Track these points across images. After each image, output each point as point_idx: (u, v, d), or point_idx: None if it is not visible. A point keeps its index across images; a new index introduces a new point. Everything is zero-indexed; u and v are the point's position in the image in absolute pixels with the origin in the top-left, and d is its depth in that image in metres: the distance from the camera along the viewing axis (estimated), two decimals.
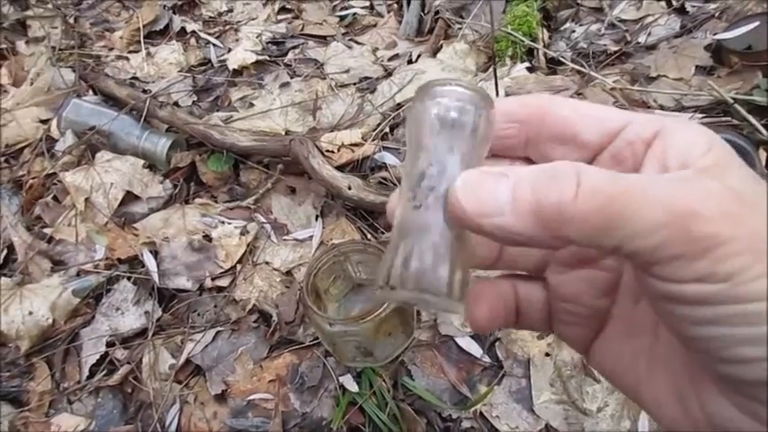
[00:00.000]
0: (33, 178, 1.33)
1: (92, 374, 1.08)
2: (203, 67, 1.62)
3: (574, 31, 1.50)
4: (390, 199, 0.31)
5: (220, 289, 1.16)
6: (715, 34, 1.28)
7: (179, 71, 1.59)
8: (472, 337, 1.02)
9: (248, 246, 1.20)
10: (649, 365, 0.29)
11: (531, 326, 0.34)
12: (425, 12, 1.64)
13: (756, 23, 1.20)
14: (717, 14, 1.37)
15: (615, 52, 1.39)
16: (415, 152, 0.28)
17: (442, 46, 1.50)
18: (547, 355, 0.98)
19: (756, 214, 0.22)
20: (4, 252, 1.24)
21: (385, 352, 0.97)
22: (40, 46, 1.66)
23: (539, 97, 0.30)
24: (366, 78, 1.52)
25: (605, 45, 1.43)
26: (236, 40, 1.66)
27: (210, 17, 1.78)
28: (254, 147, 1.28)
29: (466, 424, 0.93)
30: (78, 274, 1.18)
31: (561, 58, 1.36)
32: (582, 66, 1.32)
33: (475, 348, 1.00)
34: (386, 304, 0.85)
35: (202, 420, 1.00)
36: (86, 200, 1.26)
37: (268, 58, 1.60)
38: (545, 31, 1.48)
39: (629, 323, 0.30)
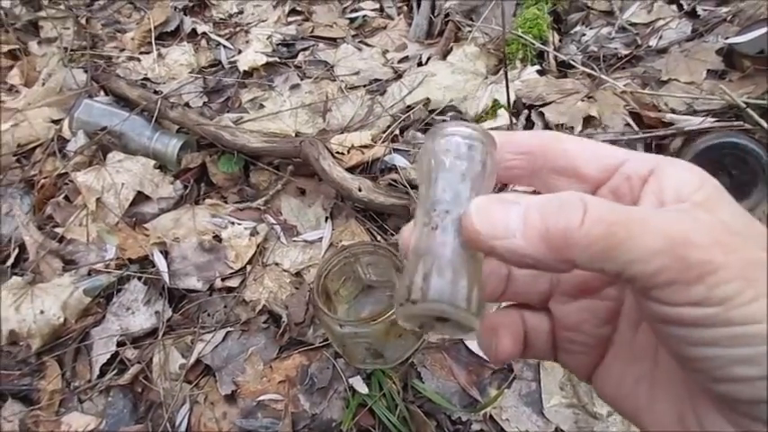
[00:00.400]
0: (45, 178, 1.34)
1: (102, 374, 1.08)
2: (214, 69, 1.63)
3: (584, 35, 1.50)
4: (403, 231, 0.33)
5: (230, 289, 1.16)
6: (727, 38, 1.28)
7: (190, 72, 1.59)
8: None
9: (258, 247, 1.21)
10: (650, 390, 0.30)
11: (537, 355, 0.35)
12: (435, 14, 1.65)
13: None
14: (728, 18, 1.37)
15: (626, 56, 1.38)
16: (429, 183, 0.30)
17: (452, 48, 1.50)
18: None
19: (748, 244, 0.24)
20: (16, 251, 1.25)
21: (395, 354, 0.97)
22: (52, 47, 1.68)
23: (545, 133, 0.33)
24: (376, 80, 1.52)
25: (616, 48, 1.43)
26: (247, 42, 1.67)
27: (221, 19, 1.79)
28: (264, 148, 1.28)
29: (476, 427, 0.93)
30: (89, 274, 1.19)
31: (572, 62, 1.35)
32: (593, 69, 1.32)
33: None
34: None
35: (212, 420, 1.00)
36: (98, 200, 1.26)
37: (278, 60, 1.61)
38: (555, 34, 1.48)
39: (630, 350, 0.32)
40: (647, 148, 1.19)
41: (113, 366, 1.09)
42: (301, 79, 1.54)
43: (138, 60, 1.64)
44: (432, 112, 1.36)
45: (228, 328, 1.10)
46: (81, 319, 1.14)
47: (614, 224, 0.24)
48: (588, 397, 0.92)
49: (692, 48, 1.32)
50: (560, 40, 1.49)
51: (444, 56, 1.50)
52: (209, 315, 1.13)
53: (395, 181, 1.24)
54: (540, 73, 1.38)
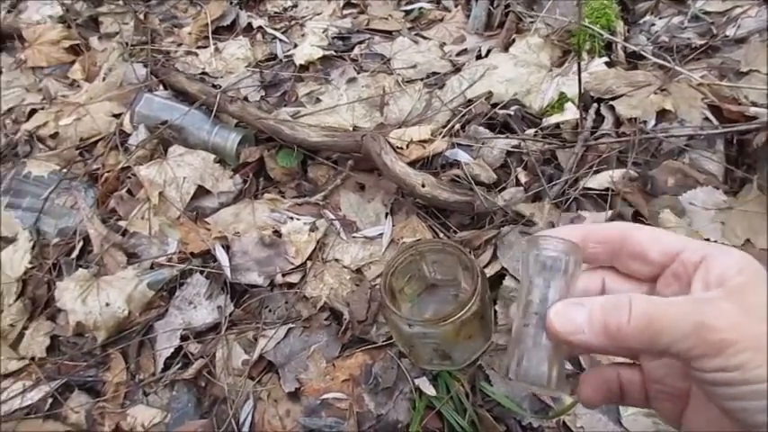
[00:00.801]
0: (108, 172, 1.35)
1: (166, 367, 1.09)
2: (270, 63, 1.62)
3: (653, 24, 1.43)
4: (511, 309, 0.45)
5: (291, 285, 1.15)
6: None
7: (246, 66, 1.59)
8: None
9: (318, 242, 1.19)
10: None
11: (633, 402, 0.43)
12: (494, 5, 1.60)
13: None
14: None
15: (701, 46, 1.31)
16: (525, 285, 0.40)
17: (514, 40, 1.45)
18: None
19: (755, 321, 0.32)
20: (81, 244, 1.26)
21: (464, 355, 0.94)
22: (112, 42, 1.70)
23: (623, 225, 0.41)
24: (434, 74, 1.49)
25: (689, 38, 1.36)
26: (302, 36, 1.66)
27: (276, 12, 1.78)
28: (324, 142, 1.27)
29: None
30: (152, 267, 1.19)
31: (642, 52, 1.29)
32: (665, 60, 1.25)
33: None
34: (468, 306, 0.83)
35: (275, 417, 0.99)
36: (160, 194, 1.27)
37: (334, 54, 1.59)
38: (623, 24, 1.41)
39: (705, 400, 0.38)
40: (728, 145, 1.13)
41: (177, 360, 1.09)
42: (358, 73, 1.52)
43: (196, 55, 1.64)
44: (494, 106, 1.32)
45: (290, 325, 1.09)
46: (145, 312, 1.15)
47: (653, 317, 0.33)
48: None
49: None
50: (628, 31, 1.43)
51: (506, 48, 1.46)
52: (270, 311, 1.13)
53: (458, 177, 1.21)
54: (609, 65, 1.32)
